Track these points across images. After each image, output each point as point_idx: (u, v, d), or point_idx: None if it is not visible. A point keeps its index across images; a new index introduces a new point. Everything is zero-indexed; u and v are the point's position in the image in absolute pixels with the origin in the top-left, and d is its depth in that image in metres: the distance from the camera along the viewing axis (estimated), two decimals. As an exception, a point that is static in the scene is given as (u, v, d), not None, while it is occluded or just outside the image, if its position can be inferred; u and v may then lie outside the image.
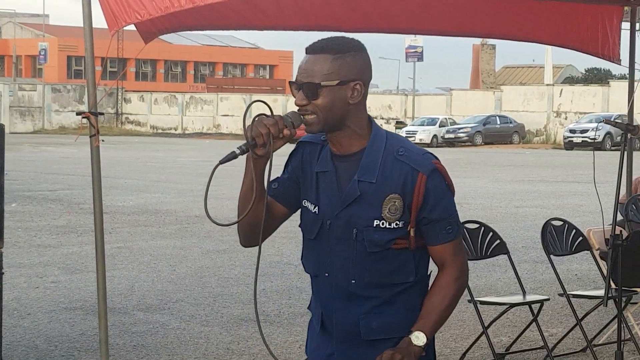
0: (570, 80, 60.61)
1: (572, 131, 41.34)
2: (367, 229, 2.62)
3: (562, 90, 48.95)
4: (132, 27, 5.93)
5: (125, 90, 63.41)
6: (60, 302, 7.94)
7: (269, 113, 2.57)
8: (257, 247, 2.67)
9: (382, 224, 2.61)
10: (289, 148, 2.82)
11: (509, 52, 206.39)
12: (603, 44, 8.16)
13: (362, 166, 2.62)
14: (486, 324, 5.95)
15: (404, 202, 2.61)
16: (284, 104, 57.24)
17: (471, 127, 45.22)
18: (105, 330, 5.20)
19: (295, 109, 2.65)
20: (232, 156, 2.55)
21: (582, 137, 40.14)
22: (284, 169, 2.77)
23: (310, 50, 2.62)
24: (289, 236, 11.96)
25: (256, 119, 2.56)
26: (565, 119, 47.05)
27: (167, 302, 7.96)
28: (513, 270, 6.32)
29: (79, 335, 6.78)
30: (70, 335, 6.76)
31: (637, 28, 8.32)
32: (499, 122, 46.42)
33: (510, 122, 46.77)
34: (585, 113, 44.47)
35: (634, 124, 6.70)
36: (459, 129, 45.18)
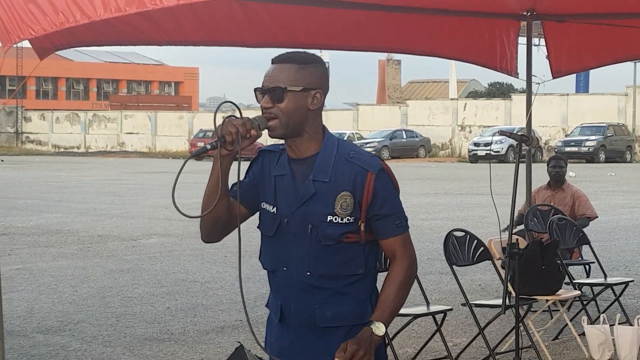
0: (474, 95, 61.81)
1: (476, 144, 42.22)
2: (322, 224, 2.87)
3: (466, 104, 49.90)
4: (28, 44, 5.80)
5: (26, 109, 62.05)
6: (-44, 326, 7.68)
7: (238, 115, 2.81)
8: (205, 243, 3.00)
9: (335, 219, 2.87)
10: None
11: (415, 67, 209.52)
12: (501, 57, 8.35)
13: (317, 167, 2.89)
14: (391, 335, 5.97)
15: (354, 199, 2.88)
16: (190, 121, 56.81)
17: (378, 142, 45.73)
18: (2, 354, 5.05)
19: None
20: (202, 150, 2.81)
21: (486, 149, 41.03)
22: (245, 174, 3.01)
23: (276, 60, 2.91)
24: (194, 254, 11.86)
25: (227, 119, 2.78)
26: (470, 132, 47.97)
27: (67, 324, 7.77)
28: (417, 282, 6.37)
29: (-25, 360, 6.55)
30: (-34, 361, 6.53)
31: (535, 42, 8.53)
32: (405, 137, 47.07)
33: (416, 136, 47.47)
34: (488, 126, 45.40)
35: (531, 135, 6.86)
36: (366, 143, 45.60)
